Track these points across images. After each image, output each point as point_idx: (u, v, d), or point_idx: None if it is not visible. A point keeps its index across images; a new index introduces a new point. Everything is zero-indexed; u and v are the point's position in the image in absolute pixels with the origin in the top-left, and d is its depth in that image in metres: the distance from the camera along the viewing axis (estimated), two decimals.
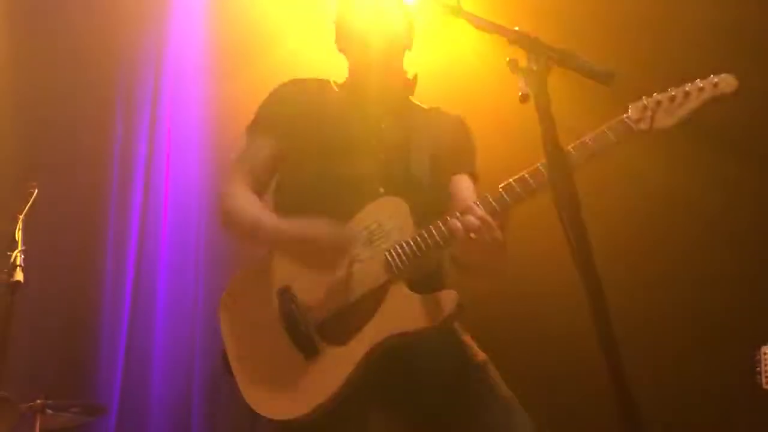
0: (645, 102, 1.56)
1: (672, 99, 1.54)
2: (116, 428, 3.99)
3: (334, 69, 2.05)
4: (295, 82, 1.99)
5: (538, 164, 1.58)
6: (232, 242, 2.97)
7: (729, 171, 3.23)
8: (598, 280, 1.11)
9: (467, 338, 1.81)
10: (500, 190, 1.61)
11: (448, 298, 1.62)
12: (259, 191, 1.91)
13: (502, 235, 1.58)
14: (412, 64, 2.00)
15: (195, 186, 4.44)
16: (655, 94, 1.56)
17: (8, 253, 2.89)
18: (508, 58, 1.30)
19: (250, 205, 1.84)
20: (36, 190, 3.11)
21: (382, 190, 1.77)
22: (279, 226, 1.76)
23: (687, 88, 1.54)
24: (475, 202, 1.61)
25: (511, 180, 1.61)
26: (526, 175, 1.59)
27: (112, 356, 4.15)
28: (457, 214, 1.60)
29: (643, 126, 1.55)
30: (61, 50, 4.62)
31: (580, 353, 2.26)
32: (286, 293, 1.72)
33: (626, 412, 1.06)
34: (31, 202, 3.08)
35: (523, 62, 1.28)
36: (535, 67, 1.25)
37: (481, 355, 1.78)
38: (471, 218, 1.57)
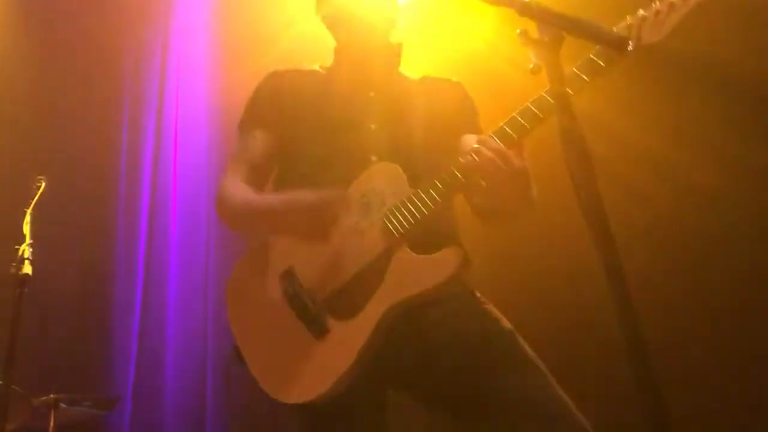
0: (629, 20, 1.46)
1: (657, 13, 1.44)
2: (131, 421, 3.99)
3: None
4: (276, 74, 1.97)
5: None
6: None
7: (757, 159, 3.10)
8: (622, 272, 1.05)
9: (492, 307, 1.73)
10: (515, 115, 1.53)
11: (453, 254, 1.56)
12: (260, 182, 1.89)
13: (521, 161, 1.51)
14: (426, 57, 1.96)
15: (203, 174, 4.43)
16: (640, 10, 1.46)
17: (16, 247, 2.87)
18: (518, 30, 1.24)
19: (240, 191, 1.82)
20: (44, 183, 3.09)
21: (374, 158, 1.74)
22: (268, 200, 1.75)
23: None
24: (489, 136, 1.53)
25: (528, 103, 1.52)
26: (543, 93, 1.50)
27: (124, 349, 4.15)
28: (471, 153, 1.52)
29: (631, 45, 1.40)
30: (67, 45, 4.62)
31: (602, 342, 2.20)
32: (288, 276, 1.69)
33: (652, 408, 1.00)
34: (38, 195, 3.06)
35: (534, 33, 1.22)
36: (546, 38, 1.18)
37: (508, 324, 1.70)
38: (485, 151, 1.50)
